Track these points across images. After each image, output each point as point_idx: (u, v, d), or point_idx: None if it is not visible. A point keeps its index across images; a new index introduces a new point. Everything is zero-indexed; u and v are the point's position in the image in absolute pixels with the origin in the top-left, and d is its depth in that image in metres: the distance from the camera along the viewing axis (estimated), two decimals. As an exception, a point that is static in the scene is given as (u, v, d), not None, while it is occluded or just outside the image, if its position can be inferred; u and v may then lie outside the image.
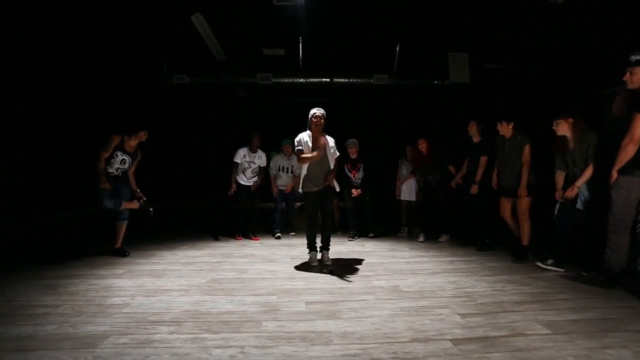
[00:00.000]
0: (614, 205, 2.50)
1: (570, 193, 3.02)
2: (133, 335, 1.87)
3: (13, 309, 2.26)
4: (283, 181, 5.41)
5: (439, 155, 4.77)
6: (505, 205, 3.76)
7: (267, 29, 6.65)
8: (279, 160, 5.40)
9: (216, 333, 1.90)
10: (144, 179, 4.24)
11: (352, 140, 5.13)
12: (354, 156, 5.12)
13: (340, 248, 4.40)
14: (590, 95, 8.34)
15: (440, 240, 4.75)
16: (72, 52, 6.71)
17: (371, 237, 5.04)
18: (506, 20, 6.35)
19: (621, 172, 2.46)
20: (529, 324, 1.99)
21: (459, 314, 2.14)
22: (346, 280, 2.92)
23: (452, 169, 4.78)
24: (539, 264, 3.25)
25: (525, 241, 3.58)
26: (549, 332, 1.88)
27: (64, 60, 6.74)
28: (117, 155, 3.82)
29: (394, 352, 1.68)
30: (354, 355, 1.65)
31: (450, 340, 1.80)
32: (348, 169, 5.15)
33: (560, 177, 3.22)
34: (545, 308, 2.23)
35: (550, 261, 3.20)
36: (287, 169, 5.40)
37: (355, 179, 5.12)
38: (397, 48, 7.37)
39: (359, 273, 3.17)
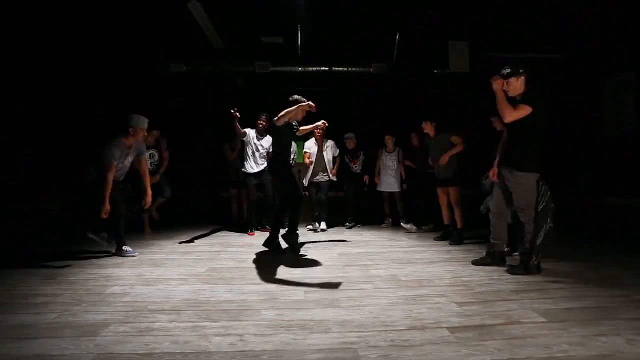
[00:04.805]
0: (496, 193, 2.94)
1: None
2: (133, 323, 1.89)
3: (13, 298, 2.27)
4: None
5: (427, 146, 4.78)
6: (442, 195, 4.11)
7: (265, 16, 6.55)
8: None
9: (216, 321, 1.92)
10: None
11: (349, 134, 5.39)
12: (351, 147, 5.37)
13: (339, 237, 4.42)
14: (591, 84, 8.31)
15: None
16: (64, 40, 6.59)
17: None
18: (507, 9, 6.27)
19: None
20: (525, 312, 2.01)
21: (456, 303, 2.17)
22: (345, 270, 2.95)
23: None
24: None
25: (460, 225, 3.93)
26: (544, 320, 1.90)
27: (51, 49, 6.62)
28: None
29: (391, 340, 1.70)
30: (352, 343, 1.67)
31: (447, 328, 1.82)
32: (349, 160, 5.37)
33: None
34: (541, 297, 2.26)
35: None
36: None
37: (356, 167, 5.38)
38: (397, 37, 7.28)
39: (358, 262, 3.19)
